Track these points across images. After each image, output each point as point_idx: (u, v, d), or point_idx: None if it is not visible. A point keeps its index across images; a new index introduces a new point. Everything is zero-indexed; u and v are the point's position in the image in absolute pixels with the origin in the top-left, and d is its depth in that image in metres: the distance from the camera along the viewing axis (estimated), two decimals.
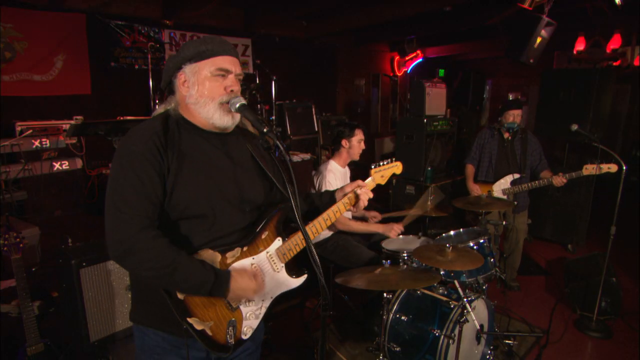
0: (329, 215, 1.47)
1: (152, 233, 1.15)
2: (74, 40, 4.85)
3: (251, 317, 1.35)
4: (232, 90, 1.29)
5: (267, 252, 1.37)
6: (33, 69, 4.61)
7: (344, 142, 2.91)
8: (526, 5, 3.13)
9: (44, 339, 2.16)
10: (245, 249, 1.32)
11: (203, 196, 1.26)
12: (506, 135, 3.51)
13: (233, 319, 1.30)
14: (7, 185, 3.67)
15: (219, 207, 1.29)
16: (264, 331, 1.55)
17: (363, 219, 3.07)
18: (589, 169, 3.14)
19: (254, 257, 1.34)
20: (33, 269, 3.22)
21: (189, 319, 1.21)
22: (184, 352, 1.30)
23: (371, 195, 1.56)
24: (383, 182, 1.68)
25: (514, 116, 3.42)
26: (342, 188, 1.57)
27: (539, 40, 3.45)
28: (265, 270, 1.37)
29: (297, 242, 1.40)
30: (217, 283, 1.20)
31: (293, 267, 1.43)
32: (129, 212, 1.13)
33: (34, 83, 4.64)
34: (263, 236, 1.36)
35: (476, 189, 3.57)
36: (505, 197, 3.46)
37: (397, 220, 2.96)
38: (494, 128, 3.58)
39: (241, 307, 1.33)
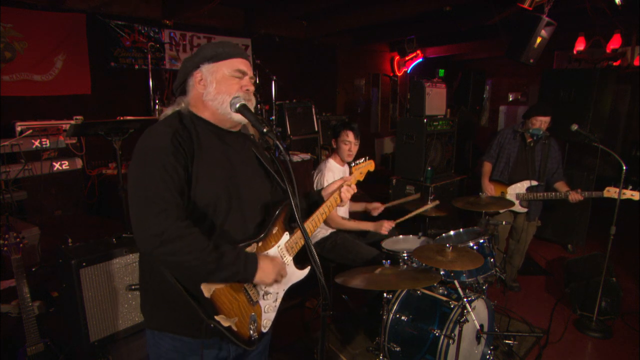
0: (324, 210, 1.59)
1: (185, 222, 1.17)
2: (74, 40, 4.85)
3: (269, 309, 1.41)
4: (247, 90, 1.37)
5: (278, 246, 1.43)
6: (33, 69, 4.60)
7: (332, 142, 3.00)
8: (526, 5, 3.13)
9: (44, 339, 2.16)
10: (260, 244, 1.38)
11: (223, 191, 1.31)
12: (529, 140, 3.38)
13: (253, 313, 1.35)
14: (7, 185, 3.67)
15: (236, 203, 1.34)
16: None
17: (365, 211, 3.08)
18: (611, 192, 2.98)
19: (268, 251, 1.40)
20: (33, 269, 3.22)
21: (216, 317, 1.23)
22: (203, 352, 1.33)
23: (355, 189, 1.69)
24: (361, 178, 1.84)
25: (542, 123, 3.24)
26: (330, 185, 1.70)
27: (539, 40, 3.45)
28: None
29: (301, 236, 1.47)
30: (250, 259, 1.27)
31: (298, 260, 1.52)
32: (162, 205, 1.15)
33: (34, 83, 4.64)
34: (274, 231, 1.42)
35: (490, 189, 3.50)
36: (517, 201, 3.38)
37: (399, 209, 3.01)
38: (517, 130, 3.44)
39: (260, 301, 1.39)
